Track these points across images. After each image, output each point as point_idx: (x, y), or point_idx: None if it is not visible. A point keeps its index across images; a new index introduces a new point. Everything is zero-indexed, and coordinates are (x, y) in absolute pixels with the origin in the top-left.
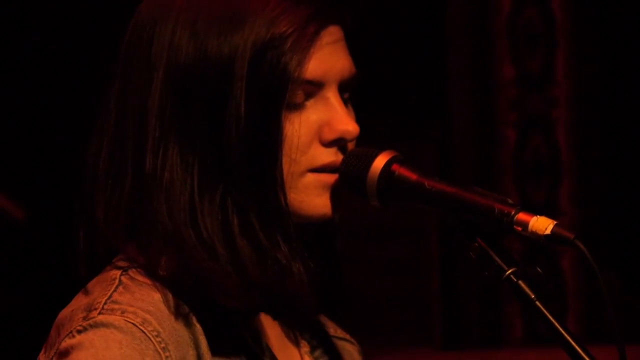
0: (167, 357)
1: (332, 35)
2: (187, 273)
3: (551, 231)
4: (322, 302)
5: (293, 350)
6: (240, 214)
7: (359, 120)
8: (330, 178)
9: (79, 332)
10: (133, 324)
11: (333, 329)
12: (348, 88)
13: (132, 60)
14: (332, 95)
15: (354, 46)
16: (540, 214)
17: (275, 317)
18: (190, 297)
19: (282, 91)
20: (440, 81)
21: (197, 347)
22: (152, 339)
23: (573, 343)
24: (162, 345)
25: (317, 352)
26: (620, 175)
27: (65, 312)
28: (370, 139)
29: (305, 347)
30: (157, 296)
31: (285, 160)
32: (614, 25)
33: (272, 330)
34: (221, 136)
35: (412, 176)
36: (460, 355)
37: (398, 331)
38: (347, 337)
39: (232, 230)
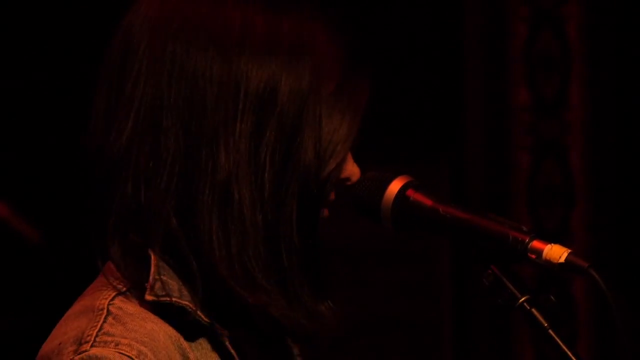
0: None
1: None
2: (246, 278)
3: (565, 260)
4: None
5: None
6: (290, 252)
7: (373, 143)
8: (326, 213)
9: None
10: (128, 356)
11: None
12: None
13: (179, 79)
14: None
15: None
16: (554, 240)
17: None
18: (186, 325)
19: (350, 140)
20: (455, 105)
21: None
22: None
23: None
24: None
25: None
26: (634, 200)
27: (50, 345)
28: (384, 163)
29: None
30: (150, 326)
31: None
32: (629, 51)
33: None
34: (286, 172)
35: (427, 202)
36: None
37: (408, 355)
38: None
39: (283, 268)
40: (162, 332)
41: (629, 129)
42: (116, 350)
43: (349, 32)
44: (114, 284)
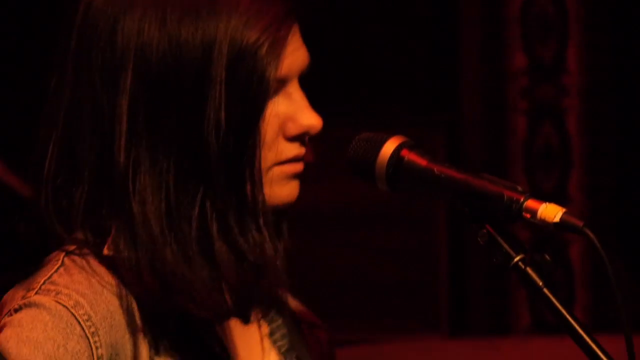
0: (95, 342)
1: (294, 33)
2: (157, 280)
3: (560, 219)
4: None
5: (253, 332)
6: (220, 219)
7: (369, 108)
8: (294, 167)
9: (16, 310)
10: (64, 306)
11: (302, 314)
12: (304, 74)
13: (89, 53)
14: (294, 90)
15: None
16: (550, 202)
17: (245, 321)
18: (142, 298)
19: (262, 96)
20: (451, 68)
21: (133, 334)
22: (82, 322)
23: (581, 331)
24: (92, 329)
25: (277, 335)
26: (630, 164)
27: (10, 292)
28: (380, 125)
29: (265, 329)
30: (96, 280)
31: (257, 159)
32: (626, 15)
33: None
34: (199, 141)
35: (422, 162)
36: (467, 343)
37: (405, 318)
38: (318, 323)
39: (211, 236)
40: (108, 287)
41: (626, 92)
42: (54, 299)
43: None
44: (79, 239)
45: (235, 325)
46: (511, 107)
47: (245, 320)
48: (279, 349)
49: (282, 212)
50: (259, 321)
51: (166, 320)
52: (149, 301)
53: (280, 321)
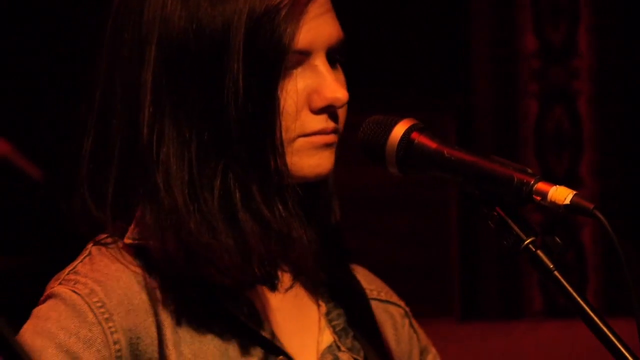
0: (110, 327)
1: (319, 3)
2: (182, 250)
3: (570, 201)
4: (325, 265)
5: (312, 312)
6: (242, 188)
7: (380, 91)
8: (321, 139)
9: (43, 301)
10: (79, 294)
11: (377, 292)
12: (337, 53)
13: (122, 31)
14: (320, 63)
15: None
16: (561, 185)
17: (272, 288)
18: (166, 271)
19: (278, 63)
20: (463, 51)
21: (156, 315)
22: (95, 310)
23: (591, 314)
24: (105, 315)
25: (333, 314)
26: None
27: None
28: (391, 109)
29: (323, 309)
30: (116, 267)
31: (277, 129)
32: None
33: (278, 298)
34: (219, 110)
35: (432, 144)
36: (479, 326)
37: (417, 302)
38: (393, 299)
39: (234, 204)
40: (128, 272)
41: (636, 75)
42: (71, 288)
43: None
44: (113, 227)
45: (294, 304)
46: (522, 90)
47: (273, 288)
48: (333, 328)
49: (316, 185)
50: (318, 301)
51: (191, 292)
52: (173, 272)
53: (336, 301)
